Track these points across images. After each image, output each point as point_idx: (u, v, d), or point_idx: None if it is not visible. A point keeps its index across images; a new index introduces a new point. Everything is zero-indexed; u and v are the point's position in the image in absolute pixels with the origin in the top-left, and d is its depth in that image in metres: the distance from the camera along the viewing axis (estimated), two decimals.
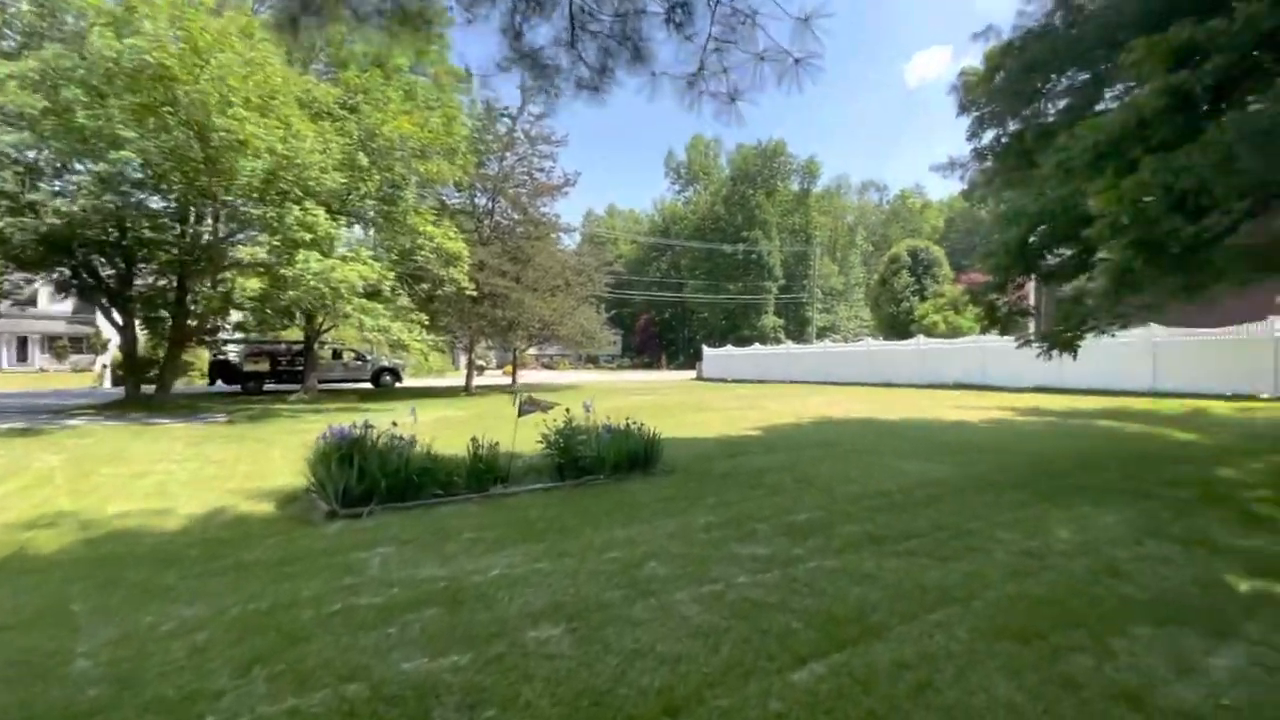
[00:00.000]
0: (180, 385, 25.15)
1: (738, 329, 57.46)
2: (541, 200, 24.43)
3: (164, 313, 15.01)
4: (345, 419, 5.96)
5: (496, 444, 5.96)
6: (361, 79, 14.26)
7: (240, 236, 13.79)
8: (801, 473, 6.64)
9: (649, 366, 58.24)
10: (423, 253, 16.88)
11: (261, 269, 12.15)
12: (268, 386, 22.23)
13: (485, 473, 5.60)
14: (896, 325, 37.51)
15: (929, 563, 3.81)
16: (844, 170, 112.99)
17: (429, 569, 3.76)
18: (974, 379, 19.88)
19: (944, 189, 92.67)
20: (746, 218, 59.51)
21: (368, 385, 24.80)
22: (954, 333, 30.16)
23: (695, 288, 61.07)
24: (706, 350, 34.88)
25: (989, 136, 10.14)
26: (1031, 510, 5.05)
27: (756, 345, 36.92)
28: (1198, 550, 4.03)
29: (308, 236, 11.63)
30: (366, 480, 5.00)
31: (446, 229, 16.81)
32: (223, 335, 22.33)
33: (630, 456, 6.51)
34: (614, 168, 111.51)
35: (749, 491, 5.80)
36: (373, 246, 16.27)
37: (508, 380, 29.07)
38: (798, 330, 59.30)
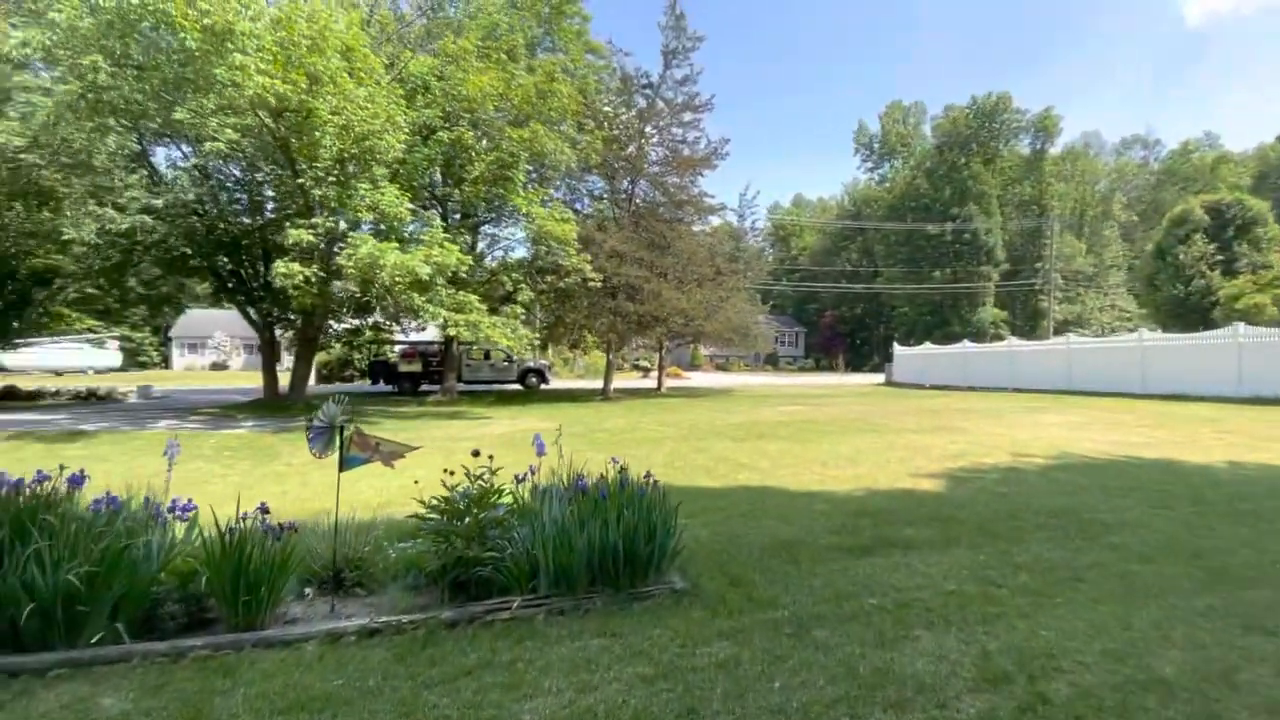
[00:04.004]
0: (356, 385, 26.91)
1: (946, 324, 48.03)
2: (687, 176, 21.38)
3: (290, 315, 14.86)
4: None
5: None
6: (456, 45, 12.56)
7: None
8: (1010, 641, 2.66)
9: (829, 369, 51.78)
10: (546, 242, 14.99)
11: (307, 255, 10.92)
12: (423, 387, 22.34)
13: (253, 587, 2.72)
14: (1184, 311, 27.38)
15: None
16: (1093, 126, 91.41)
17: None
18: None
19: (1250, 137, 70.13)
20: (956, 191, 49.71)
21: (516, 386, 24.07)
22: None
23: (891, 277, 52.66)
24: (898, 349, 28.75)
25: None
26: None
27: (965, 343, 29.64)
28: None
29: (369, 216, 10.07)
30: None
31: (555, 210, 14.62)
32: (396, 335, 22.86)
33: (601, 556, 3.17)
34: (801, 151, 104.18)
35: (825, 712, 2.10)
36: (461, 233, 14.65)
37: (674, 382, 26.56)
38: (1028, 325, 48.13)
